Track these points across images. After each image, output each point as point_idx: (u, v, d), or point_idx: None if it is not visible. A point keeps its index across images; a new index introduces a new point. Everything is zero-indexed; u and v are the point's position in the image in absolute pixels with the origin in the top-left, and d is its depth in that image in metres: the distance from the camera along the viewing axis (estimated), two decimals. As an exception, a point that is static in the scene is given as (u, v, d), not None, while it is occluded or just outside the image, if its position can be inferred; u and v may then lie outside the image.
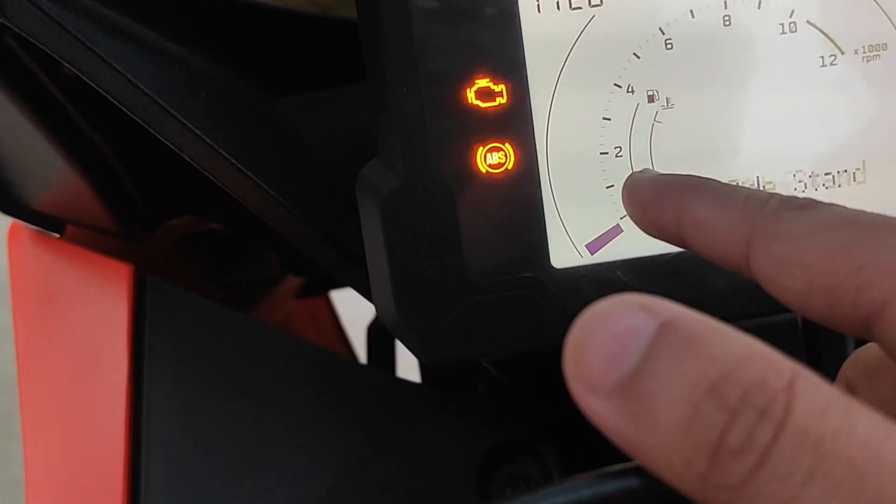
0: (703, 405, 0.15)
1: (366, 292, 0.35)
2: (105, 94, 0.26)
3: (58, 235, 0.44)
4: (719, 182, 0.21)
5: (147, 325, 0.39)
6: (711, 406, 0.15)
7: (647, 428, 0.16)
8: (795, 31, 0.29)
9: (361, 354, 0.72)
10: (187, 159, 0.27)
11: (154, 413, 0.38)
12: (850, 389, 0.21)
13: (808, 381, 0.15)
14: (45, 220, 0.44)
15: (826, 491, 0.14)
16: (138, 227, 0.43)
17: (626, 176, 0.29)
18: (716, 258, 0.20)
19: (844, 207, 0.19)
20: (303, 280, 0.62)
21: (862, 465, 0.14)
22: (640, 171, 0.25)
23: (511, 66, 0.28)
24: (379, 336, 0.65)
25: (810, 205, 0.19)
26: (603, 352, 0.16)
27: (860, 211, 0.18)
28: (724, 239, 0.20)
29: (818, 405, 0.15)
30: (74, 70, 0.26)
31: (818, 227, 0.18)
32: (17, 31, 0.25)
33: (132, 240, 0.44)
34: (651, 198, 0.22)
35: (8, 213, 0.43)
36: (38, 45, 0.26)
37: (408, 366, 0.63)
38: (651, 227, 0.22)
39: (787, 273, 0.18)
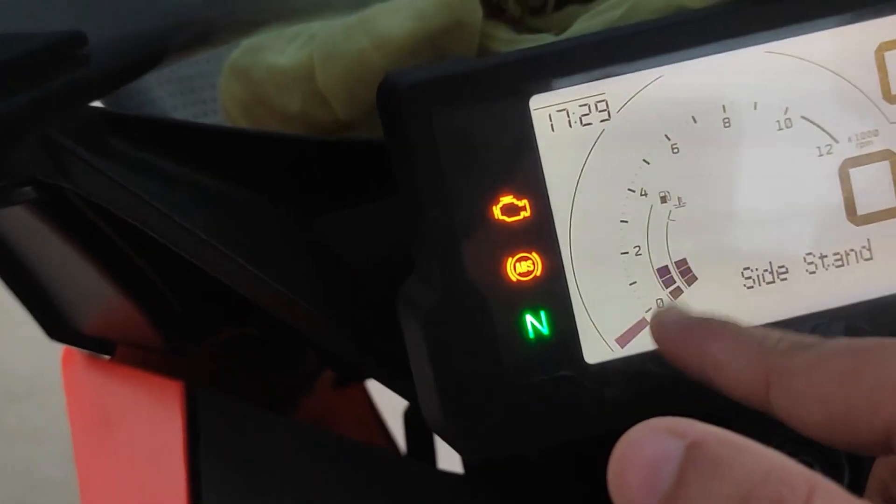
0: None
1: (408, 397, 0.36)
2: (167, 244, 0.29)
3: (108, 357, 0.46)
4: (736, 326, 0.23)
5: (201, 439, 0.41)
6: None
7: None
8: (791, 126, 0.31)
9: (398, 433, 0.73)
10: (245, 295, 0.30)
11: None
12: (885, 488, 0.23)
13: (825, 495, 0.16)
14: (96, 344, 0.46)
15: None
16: (184, 341, 0.45)
17: (648, 272, 0.31)
18: (738, 398, 0.22)
19: (847, 338, 0.21)
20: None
21: None
22: (666, 309, 0.27)
23: (531, 182, 0.30)
24: (416, 422, 0.66)
25: (817, 342, 0.21)
26: (640, 478, 0.18)
27: (859, 338, 0.20)
28: (743, 379, 0.22)
29: None
30: (136, 224, 0.28)
31: (825, 358, 0.20)
32: (82, 195, 0.28)
33: (179, 354, 0.46)
34: (675, 340, 0.24)
35: (61, 340, 0.46)
36: (103, 205, 0.28)
37: (450, 451, 0.64)
38: (677, 363, 0.24)
39: (806, 407, 0.20)
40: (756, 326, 0.24)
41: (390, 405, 0.76)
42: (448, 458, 0.60)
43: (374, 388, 0.73)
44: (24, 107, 0.20)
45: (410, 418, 0.65)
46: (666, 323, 0.24)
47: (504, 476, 0.44)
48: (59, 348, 0.49)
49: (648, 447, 0.18)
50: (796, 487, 0.17)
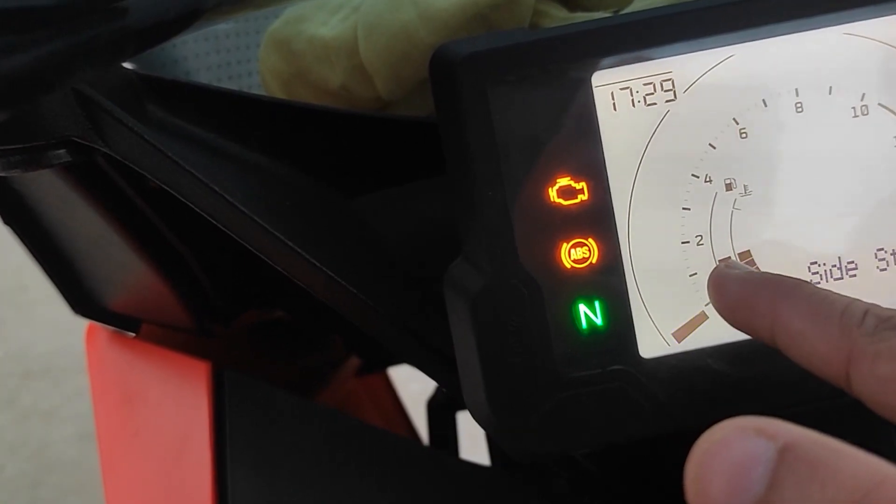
0: None
1: (444, 382, 0.35)
2: (202, 213, 0.27)
3: (133, 335, 0.45)
4: (810, 286, 0.21)
5: (227, 418, 0.40)
6: None
7: None
8: (867, 113, 0.29)
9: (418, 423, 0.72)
10: (281, 270, 0.28)
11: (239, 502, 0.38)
12: None
13: None
14: (121, 321, 0.45)
15: None
16: (213, 322, 0.44)
17: (709, 264, 0.29)
18: (812, 369, 0.20)
19: None
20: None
21: None
22: (725, 265, 0.25)
23: (590, 164, 0.28)
24: (439, 412, 0.65)
25: None
26: (725, 481, 0.16)
27: None
28: (822, 353, 0.20)
29: None
30: (172, 191, 0.27)
31: None
32: (118, 158, 0.26)
33: (207, 335, 0.45)
34: (740, 298, 0.22)
35: (85, 315, 0.45)
36: (138, 170, 0.27)
37: (471, 442, 0.63)
38: (741, 326, 0.22)
39: (894, 392, 0.18)
40: (835, 292, 0.22)
41: (409, 395, 0.75)
42: (469, 452, 0.59)
43: (395, 377, 0.72)
44: (58, 55, 0.19)
45: (435, 408, 0.64)
46: (729, 279, 0.22)
47: (533, 470, 0.42)
48: (76, 329, 0.48)
49: (735, 448, 0.16)
50: None
